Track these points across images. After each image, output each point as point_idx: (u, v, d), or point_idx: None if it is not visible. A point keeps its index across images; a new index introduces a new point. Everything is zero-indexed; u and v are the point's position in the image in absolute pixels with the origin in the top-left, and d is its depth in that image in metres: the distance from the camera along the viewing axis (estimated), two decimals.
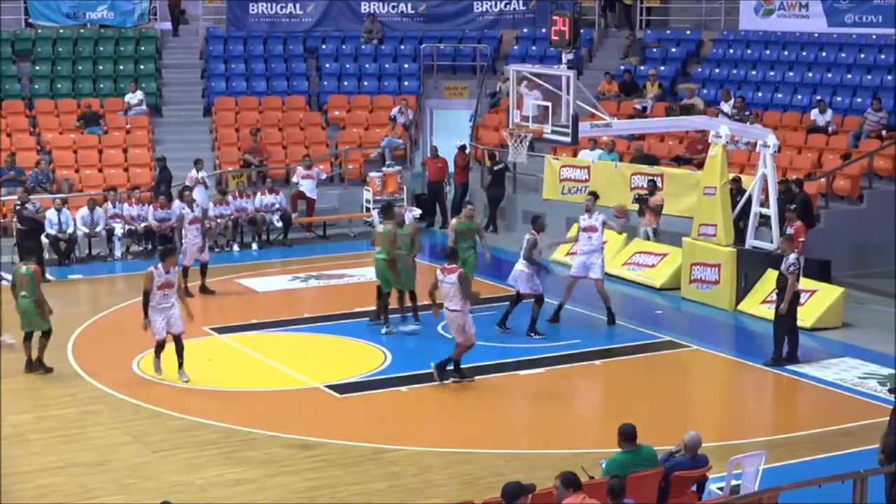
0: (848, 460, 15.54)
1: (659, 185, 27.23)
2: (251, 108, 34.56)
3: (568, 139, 22.92)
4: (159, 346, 19.33)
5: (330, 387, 19.16)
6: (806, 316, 21.53)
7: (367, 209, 31.39)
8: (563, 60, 23.41)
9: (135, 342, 20.74)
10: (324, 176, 31.72)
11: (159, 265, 19.21)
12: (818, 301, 22.39)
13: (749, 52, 33.63)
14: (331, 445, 16.65)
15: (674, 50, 34.93)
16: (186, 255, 24.54)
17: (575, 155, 30.32)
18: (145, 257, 27.38)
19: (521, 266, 21.68)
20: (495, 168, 31.06)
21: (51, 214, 27.74)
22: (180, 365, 19.35)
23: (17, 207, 26.85)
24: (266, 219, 29.76)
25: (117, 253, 28.26)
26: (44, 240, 27.49)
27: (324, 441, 16.77)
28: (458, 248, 21.08)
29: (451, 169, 32.27)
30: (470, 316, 19.11)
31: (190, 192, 26.29)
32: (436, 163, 32.10)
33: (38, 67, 34.51)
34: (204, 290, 24.78)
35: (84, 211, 28.09)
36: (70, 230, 27.76)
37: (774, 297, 20.92)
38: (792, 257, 20.17)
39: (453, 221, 23.44)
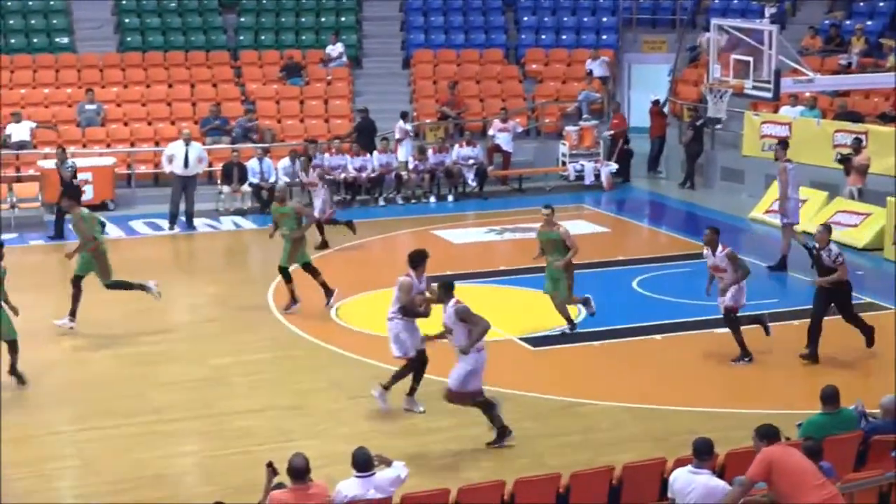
0: None
1: (864, 143, 26.55)
2: (449, 61, 34.72)
3: (769, 94, 22.54)
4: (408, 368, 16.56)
5: (524, 339, 19.22)
6: None
7: (563, 163, 31.34)
8: (766, 14, 23.04)
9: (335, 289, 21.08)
10: (519, 129, 31.74)
11: (411, 272, 16.46)
12: None
13: None
14: (524, 398, 16.71)
15: (882, 4, 33.89)
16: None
17: (776, 111, 29.76)
18: (343, 207, 27.86)
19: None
20: (697, 123, 30.68)
21: (252, 163, 28.39)
22: (414, 390, 16.56)
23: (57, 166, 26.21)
24: (462, 171, 29.92)
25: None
26: (246, 188, 28.16)
27: (517, 393, 16.83)
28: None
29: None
30: (408, 324, 16.35)
31: (388, 143, 26.52)
32: (613, 119, 31.83)
33: (243, 19, 35.21)
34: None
35: (286, 161, 28.60)
36: (272, 179, 28.33)
37: None
38: None
39: None
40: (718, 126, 30.09)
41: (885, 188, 24.92)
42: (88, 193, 27.93)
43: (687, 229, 26.45)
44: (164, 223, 26.89)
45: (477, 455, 14.86)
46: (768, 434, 11.26)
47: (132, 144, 29.85)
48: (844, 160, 26.36)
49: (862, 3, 34.18)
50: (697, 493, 10.96)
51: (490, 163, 30.93)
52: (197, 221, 27.20)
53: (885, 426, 13.11)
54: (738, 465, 11.67)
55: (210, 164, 29.62)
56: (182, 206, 26.89)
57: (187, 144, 27.24)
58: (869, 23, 32.84)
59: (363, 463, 11.42)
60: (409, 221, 26.78)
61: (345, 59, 34.05)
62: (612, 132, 31.65)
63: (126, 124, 31.12)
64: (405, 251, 24.13)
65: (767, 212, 26.75)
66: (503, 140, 31.05)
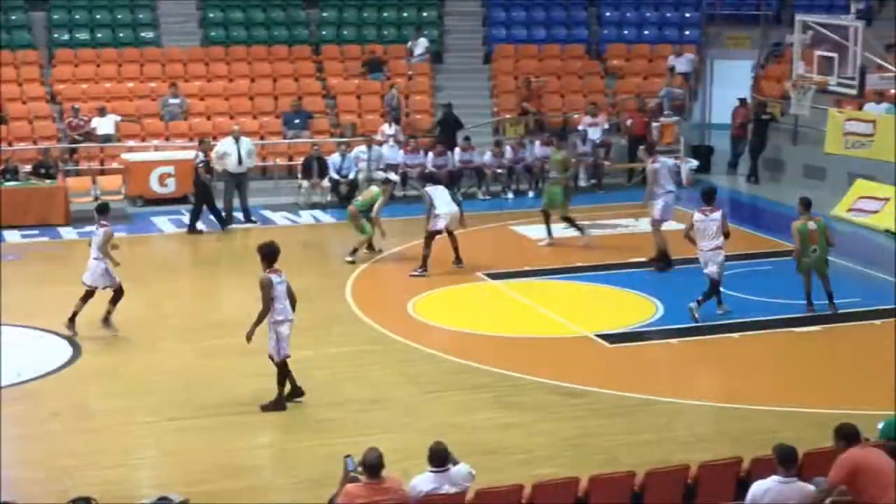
0: None
1: None
2: (530, 56, 34.67)
3: (853, 91, 22.32)
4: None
5: (600, 336, 19.19)
6: None
7: (640, 160, 31.19)
8: (852, 10, 22.79)
9: (410, 285, 21.19)
10: (607, 125, 31.61)
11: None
12: None
13: None
14: (600, 394, 16.69)
15: None
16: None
17: (860, 108, 29.41)
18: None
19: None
20: (762, 117, 30.54)
21: (334, 158, 28.57)
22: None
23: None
24: (544, 167, 29.83)
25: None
26: (326, 183, 28.30)
27: (593, 390, 16.81)
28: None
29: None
30: (282, 327, 16.17)
31: (469, 140, 26.50)
32: (641, 117, 31.54)
33: (325, 14, 35.39)
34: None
35: (363, 148, 28.80)
36: (351, 175, 28.47)
37: None
38: None
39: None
40: (801, 123, 29.82)
41: None
42: (170, 186, 28.29)
43: (768, 227, 26.22)
44: (241, 216, 27.01)
45: (553, 451, 14.85)
46: (849, 435, 11.12)
47: (214, 138, 30.12)
48: None
49: None
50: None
51: (607, 156, 30.85)
52: (276, 215, 27.39)
53: None
54: (816, 466, 11.56)
55: (291, 158, 29.84)
56: (236, 202, 26.99)
57: (237, 141, 27.31)
58: None
59: (439, 458, 11.45)
60: (487, 217, 26.77)
61: (427, 53, 34.11)
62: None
63: (209, 118, 31.42)
64: (483, 247, 24.39)
65: (850, 210, 26.48)
66: (594, 134, 30.93)
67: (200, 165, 26.37)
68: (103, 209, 19.84)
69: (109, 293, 19.03)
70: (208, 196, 26.30)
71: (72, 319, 18.85)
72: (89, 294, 19.02)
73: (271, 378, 16.21)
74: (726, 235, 19.85)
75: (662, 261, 22.61)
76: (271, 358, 16.19)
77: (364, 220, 23.34)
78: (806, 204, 20.07)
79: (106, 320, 19.05)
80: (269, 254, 16.23)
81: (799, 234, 19.69)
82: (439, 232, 22.46)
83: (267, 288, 15.92)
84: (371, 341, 19.08)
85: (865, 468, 10.76)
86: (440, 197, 22.65)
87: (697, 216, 19.88)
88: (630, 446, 14.94)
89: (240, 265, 24.14)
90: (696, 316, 19.47)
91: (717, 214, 19.77)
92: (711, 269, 19.75)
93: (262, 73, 33.13)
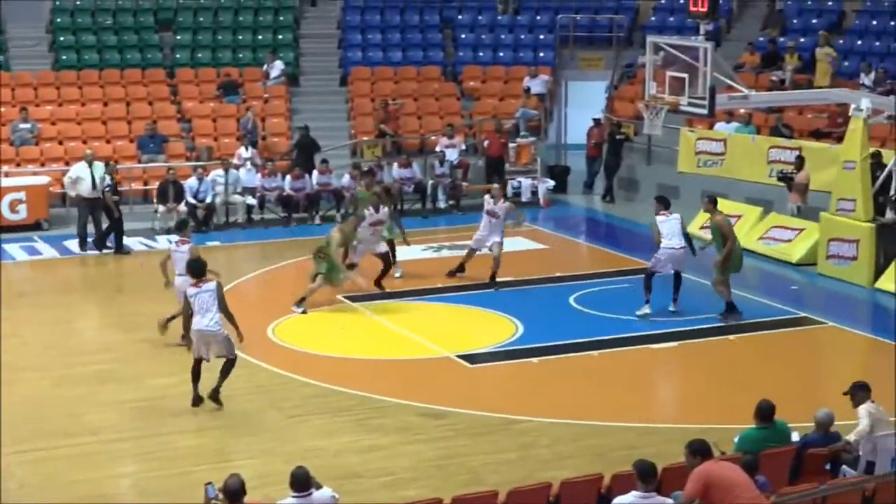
0: None
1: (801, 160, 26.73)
2: (387, 79, 34.75)
3: (704, 111, 22.73)
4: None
5: (461, 356, 19.25)
6: None
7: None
8: (701, 31, 23.20)
9: (269, 309, 21.05)
10: (464, 146, 31.77)
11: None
12: None
13: (892, 23, 32.90)
14: (462, 415, 16.74)
15: (815, 21, 34.29)
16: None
17: (711, 127, 30.00)
18: (284, 224, 27.87)
19: None
20: (617, 137, 31.03)
21: (191, 182, 28.27)
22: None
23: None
24: (403, 189, 29.87)
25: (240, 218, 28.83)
26: (182, 207, 28.00)
27: (455, 410, 16.86)
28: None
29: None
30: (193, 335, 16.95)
31: (327, 163, 26.43)
32: (498, 138, 31.85)
33: (179, 37, 35.07)
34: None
35: (220, 172, 28.66)
36: (208, 199, 28.22)
37: None
38: None
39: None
40: (654, 143, 30.30)
41: (819, 204, 25.18)
42: (22, 213, 27.76)
43: (624, 246, 26.59)
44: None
45: (416, 473, 14.86)
46: (700, 450, 11.36)
47: (67, 163, 29.55)
48: (786, 178, 26.60)
49: (795, 21, 34.56)
50: None
51: (464, 177, 30.99)
52: (131, 241, 26.97)
53: (817, 439, 13.26)
54: (676, 480, 11.75)
55: (146, 183, 29.47)
56: (90, 228, 26.61)
57: (91, 166, 26.82)
58: (802, 39, 33.18)
59: (301, 483, 11.37)
60: None
61: (282, 76, 33.98)
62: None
63: (61, 143, 30.89)
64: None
65: (702, 228, 26.94)
66: (451, 156, 31.05)
67: (107, 189, 26.08)
68: (182, 226, 20.70)
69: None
70: (111, 216, 26.15)
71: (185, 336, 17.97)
72: None
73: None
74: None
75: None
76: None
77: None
78: (714, 201, 21.34)
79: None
80: (193, 268, 17.13)
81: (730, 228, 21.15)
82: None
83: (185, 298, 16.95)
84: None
85: (718, 481, 10.99)
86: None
87: (660, 218, 21.04)
88: (493, 465, 15.01)
89: (97, 291, 23.84)
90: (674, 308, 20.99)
91: (677, 216, 21.29)
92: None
93: (116, 96, 32.68)
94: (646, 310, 21.00)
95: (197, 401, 16.96)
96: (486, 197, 23.56)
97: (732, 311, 20.86)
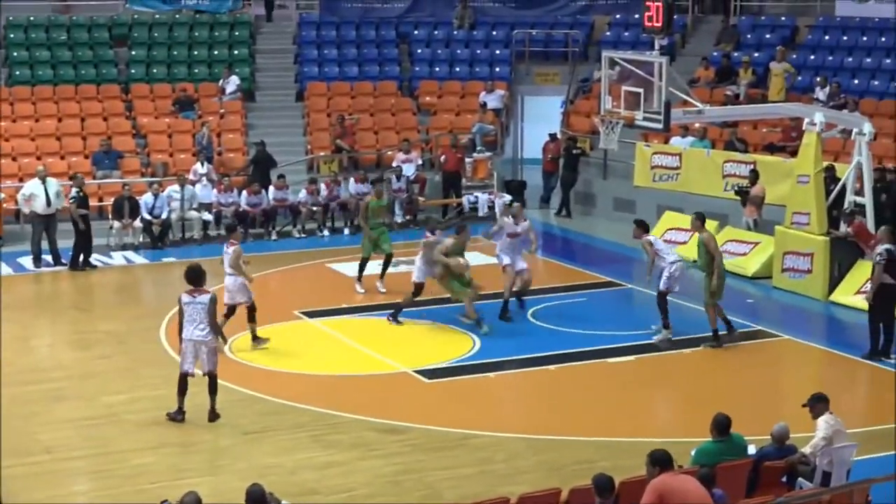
0: None
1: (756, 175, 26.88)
2: (343, 94, 34.72)
3: (660, 126, 22.84)
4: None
5: (418, 371, 19.24)
6: None
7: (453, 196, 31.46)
8: (656, 46, 23.31)
9: (226, 326, 20.93)
10: (420, 161, 31.77)
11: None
12: None
13: (845, 38, 33.21)
14: (419, 430, 16.71)
15: (768, 36, 34.54)
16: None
17: (666, 142, 30.15)
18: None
19: None
20: (573, 152, 31.13)
21: (146, 198, 28.12)
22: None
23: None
24: (358, 204, 29.78)
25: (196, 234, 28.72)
26: (137, 223, 27.86)
27: (412, 426, 16.83)
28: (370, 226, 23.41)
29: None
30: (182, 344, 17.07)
31: (284, 178, 26.35)
32: (455, 153, 31.88)
33: (134, 52, 34.92)
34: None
35: (175, 188, 28.54)
36: (164, 215, 28.09)
37: (868, 287, 20.68)
38: (880, 248, 19.88)
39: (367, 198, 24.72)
40: (610, 158, 30.41)
41: (773, 217, 25.33)
42: None
43: (581, 260, 26.64)
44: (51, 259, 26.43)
45: (373, 489, 14.82)
46: (661, 460, 11.33)
47: (21, 180, 29.37)
48: (741, 192, 26.75)
49: (749, 36, 34.80)
50: None
51: (421, 192, 30.96)
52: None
53: (773, 452, 13.32)
54: (633, 494, 11.75)
55: (101, 199, 29.29)
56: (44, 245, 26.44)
57: (44, 182, 26.69)
58: (756, 54, 33.39)
59: (256, 500, 11.31)
60: (304, 255, 26.67)
61: (238, 92, 33.89)
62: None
63: (14, 159, 30.65)
64: (299, 286, 24.32)
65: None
66: (408, 171, 31.03)
67: (72, 202, 26.01)
68: (232, 228, 21.66)
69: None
70: (77, 229, 26.03)
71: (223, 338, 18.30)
72: (231, 311, 19.99)
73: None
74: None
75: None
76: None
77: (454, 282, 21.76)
78: (702, 219, 21.05)
79: (255, 338, 20.17)
80: (190, 276, 17.05)
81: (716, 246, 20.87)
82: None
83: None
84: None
85: (674, 494, 10.99)
86: None
87: (649, 238, 20.99)
88: (450, 481, 14.99)
89: (52, 309, 23.69)
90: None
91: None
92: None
93: (70, 112, 32.51)
94: (667, 334, 20.69)
95: (179, 414, 16.91)
96: (506, 219, 22.61)
97: (717, 339, 20.49)
